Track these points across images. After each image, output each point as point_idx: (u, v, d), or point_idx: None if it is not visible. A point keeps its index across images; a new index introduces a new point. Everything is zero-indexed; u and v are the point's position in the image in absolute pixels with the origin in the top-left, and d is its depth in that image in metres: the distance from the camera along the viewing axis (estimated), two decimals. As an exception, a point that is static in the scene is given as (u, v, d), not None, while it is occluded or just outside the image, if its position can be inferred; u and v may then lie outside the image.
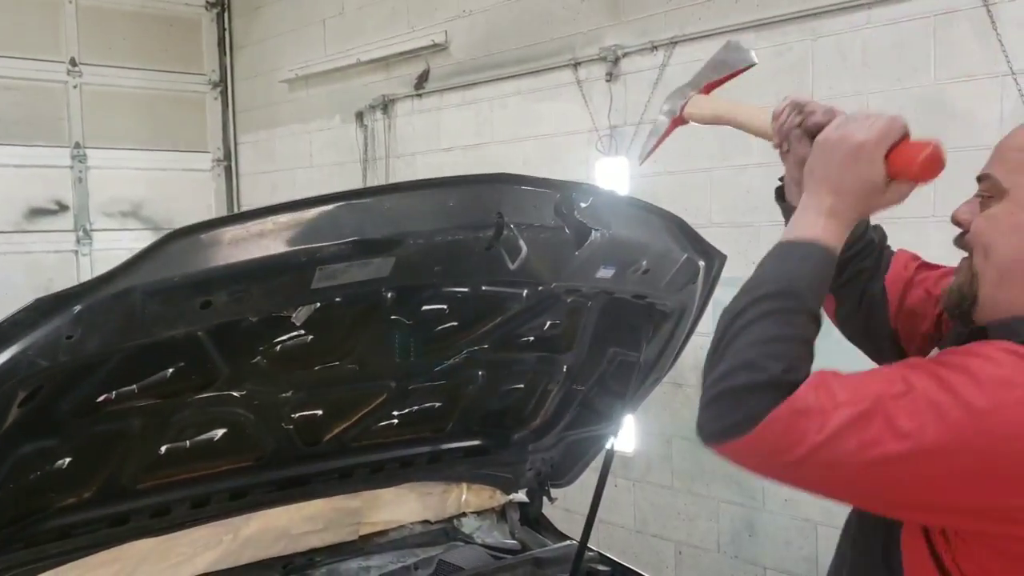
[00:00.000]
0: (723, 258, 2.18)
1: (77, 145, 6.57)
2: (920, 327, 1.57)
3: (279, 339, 1.81)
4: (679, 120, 1.64)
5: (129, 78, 6.73)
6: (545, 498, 2.80)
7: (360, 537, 2.48)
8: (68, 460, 1.78)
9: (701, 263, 2.11)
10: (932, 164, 1.34)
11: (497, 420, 2.50)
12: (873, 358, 1.62)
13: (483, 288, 1.93)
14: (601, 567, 2.56)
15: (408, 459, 2.40)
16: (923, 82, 3.41)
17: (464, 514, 2.71)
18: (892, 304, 1.59)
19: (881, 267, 1.64)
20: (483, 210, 1.64)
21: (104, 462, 1.85)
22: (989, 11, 3.21)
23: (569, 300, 2.10)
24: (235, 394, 1.88)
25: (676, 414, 4.29)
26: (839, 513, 3.90)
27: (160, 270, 1.39)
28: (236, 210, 7.18)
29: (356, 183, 5.88)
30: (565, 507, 2.90)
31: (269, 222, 1.46)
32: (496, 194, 1.67)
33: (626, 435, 4.25)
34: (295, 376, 1.94)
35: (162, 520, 2.04)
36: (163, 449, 1.93)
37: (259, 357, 1.82)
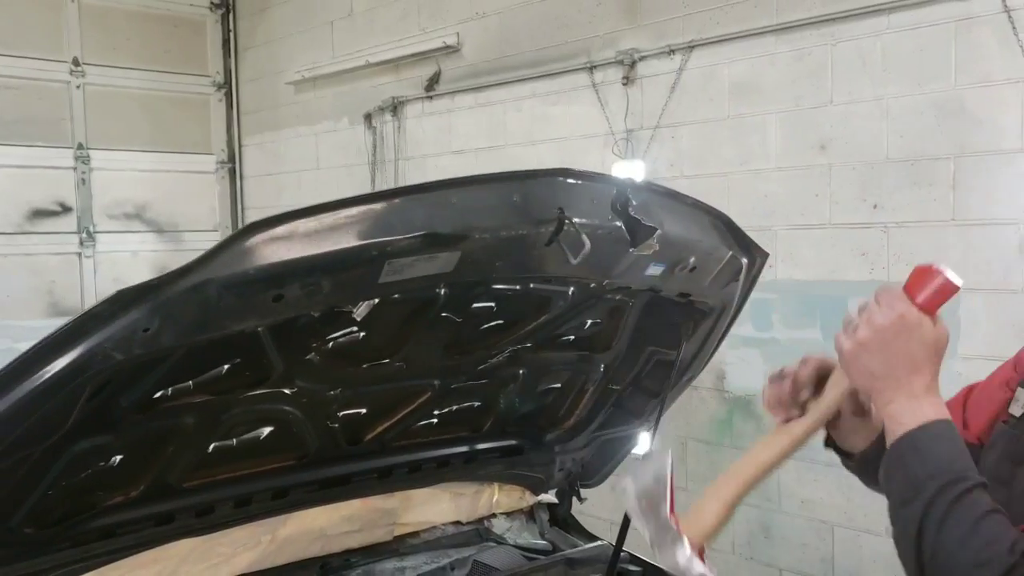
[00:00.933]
0: (765, 256, 2.19)
1: (80, 146, 6.54)
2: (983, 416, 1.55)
3: (333, 336, 1.81)
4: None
5: (132, 79, 6.72)
6: (574, 498, 2.80)
7: (394, 538, 2.47)
8: (120, 458, 1.77)
9: (744, 260, 2.11)
10: (950, 282, 1.34)
11: (532, 420, 2.50)
12: None
13: (532, 286, 1.92)
14: (632, 567, 2.56)
15: (445, 459, 2.40)
16: (943, 87, 3.44)
17: (495, 515, 2.71)
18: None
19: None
20: (544, 204, 1.64)
21: (154, 460, 1.84)
22: (1010, 16, 3.24)
23: (615, 298, 2.10)
24: (286, 391, 1.87)
25: (691, 416, 4.30)
26: (856, 515, 3.93)
27: (236, 263, 1.38)
28: (240, 213, 7.16)
29: (364, 186, 5.87)
30: (582, 510, 2.90)
31: (342, 215, 1.46)
32: (556, 188, 1.67)
33: (642, 437, 4.25)
34: (344, 373, 1.93)
35: (205, 519, 2.02)
36: (211, 447, 1.91)
37: (313, 354, 1.82)
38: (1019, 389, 1.58)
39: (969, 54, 3.37)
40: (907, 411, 1.28)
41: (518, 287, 1.90)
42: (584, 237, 1.63)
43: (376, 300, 1.65)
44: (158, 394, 1.67)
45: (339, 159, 6.19)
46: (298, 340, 1.74)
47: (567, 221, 1.63)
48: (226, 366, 1.72)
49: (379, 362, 1.95)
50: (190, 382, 1.70)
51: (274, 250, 1.40)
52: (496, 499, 2.70)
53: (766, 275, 3.91)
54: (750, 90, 4.01)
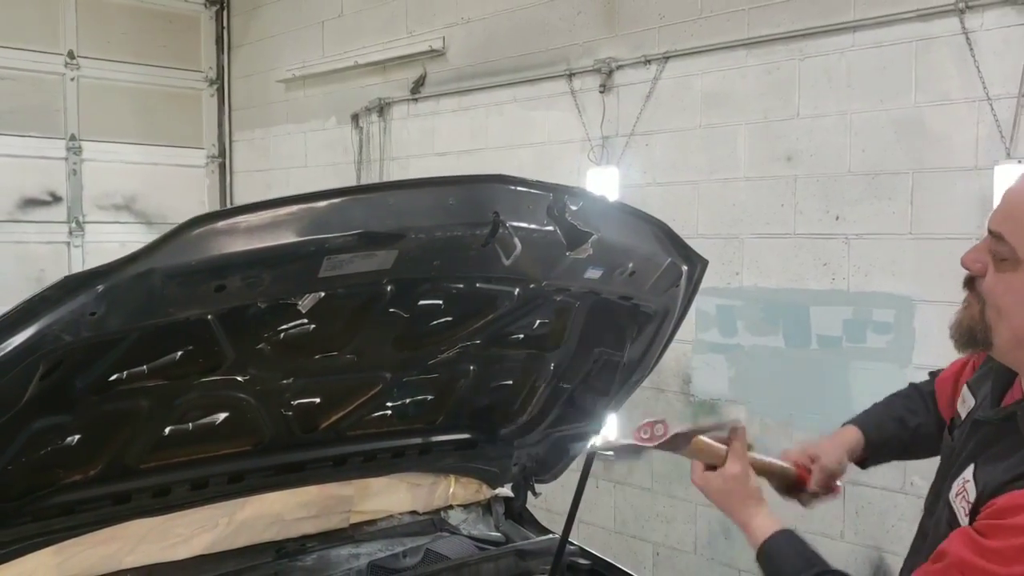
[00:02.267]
0: (704, 263, 2.28)
1: (72, 137, 6.62)
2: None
3: (283, 327, 1.89)
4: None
5: (126, 72, 6.80)
6: (529, 493, 2.89)
7: (350, 525, 2.56)
8: (77, 437, 1.85)
9: (684, 267, 2.21)
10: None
11: (486, 415, 2.58)
12: None
13: (477, 285, 2.02)
14: (582, 560, 2.66)
15: (400, 450, 2.48)
16: (904, 104, 3.55)
17: (451, 506, 2.80)
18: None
19: (927, 424, 2.00)
20: (481, 208, 1.73)
21: (111, 441, 1.92)
22: (968, 38, 3.35)
23: (558, 299, 2.20)
24: (239, 378, 1.96)
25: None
26: (814, 518, 4.04)
27: (180, 254, 1.47)
28: (229, 206, 7.25)
29: (351, 184, 5.97)
30: (547, 507, 3.00)
31: (282, 212, 1.56)
32: (493, 193, 1.77)
33: (609, 438, 4.35)
34: (296, 364, 2.02)
35: (162, 500, 2.10)
36: (167, 430, 1.99)
37: (264, 344, 1.90)
38: (964, 387, 1.72)
39: (929, 73, 3.48)
40: (751, 532, 1.78)
41: (462, 285, 1.99)
42: (516, 240, 1.73)
43: (321, 294, 1.73)
44: (113, 377, 1.75)
45: (326, 157, 6.29)
46: (249, 330, 1.83)
47: (502, 224, 1.72)
48: (179, 353, 1.80)
49: (330, 354, 2.04)
50: (144, 367, 1.78)
51: (216, 243, 1.49)
52: (452, 491, 2.79)
53: (732, 282, 4.05)
54: (721, 101, 4.12)
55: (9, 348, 1.44)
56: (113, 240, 6.84)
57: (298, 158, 6.57)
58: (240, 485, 2.21)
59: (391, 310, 1.95)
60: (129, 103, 6.84)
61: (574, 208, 1.85)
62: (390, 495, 2.64)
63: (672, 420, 4.59)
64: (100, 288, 1.44)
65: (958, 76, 3.39)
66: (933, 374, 2.08)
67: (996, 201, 3.21)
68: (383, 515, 2.64)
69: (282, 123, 6.70)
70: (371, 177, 5.88)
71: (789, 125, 3.89)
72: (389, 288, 1.86)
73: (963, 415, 1.73)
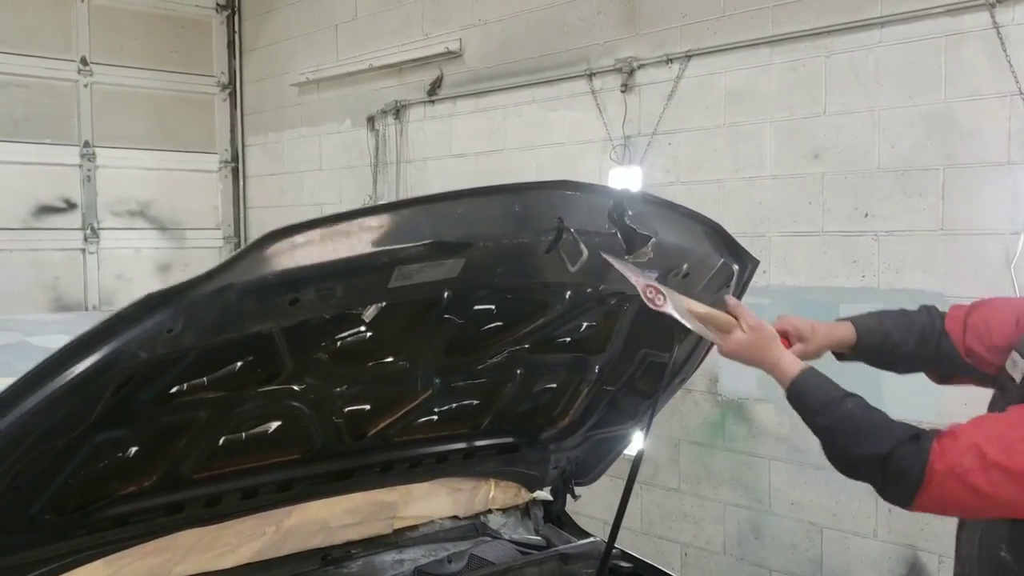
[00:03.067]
0: (756, 263, 2.28)
1: (86, 144, 6.63)
2: (986, 357, 1.98)
3: (341, 335, 1.89)
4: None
5: (139, 78, 6.81)
6: (568, 495, 2.88)
7: (394, 531, 2.56)
8: (135, 449, 1.85)
9: (735, 267, 2.20)
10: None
11: (529, 418, 2.58)
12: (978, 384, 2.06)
13: (532, 290, 2.01)
14: (624, 563, 2.64)
15: (444, 455, 2.48)
16: (933, 100, 3.52)
17: (491, 511, 2.79)
18: (960, 350, 2.02)
19: (937, 343, 2.06)
20: (545, 215, 1.74)
21: (168, 452, 1.92)
22: (999, 32, 3.33)
23: (611, 303, 2.19)
24: (295, 387, 1.96)
25: (684, 418, 4.39)
26: (844, 517, 4.01)
27: (256, 268, 1.47)
28: (243, 212, 7.25)
29: (366, 187, 5.97)
30: (575, 509, 2.98)
31: (355, 225, 1.56)
32: (556, 199, 1.76)
33: (635, 438, 4.35)
34: (351, 371, 2.02)
35: (214, 510, 2.10)
36: (222, 440, 1.99)
37: (322, 352, 1.90)
38: (1014, 352, 1.83)
39: (959, 68, 3.46)
40: (781, 372, 1.94)
41: (518, 291, 1.98)
42: (582, 246, 1.73)
43: (383, 304, 1.73)
44: (174, 389, 1.75)
45: (341, 160, 6.28)
46: (309, 340, 1.82)
47: (566, 230, 1.72)
48: (239, 363, 1.80)
49: (384, 361, 2.03)
50: (205, 379, 1.78)
51: (292, 257, 1.50)
52: (492, 495, 2.78)
53: (759, 280, 4.01)
54: (745, 99, 4.10)
55: (87, 365, 1.44)
56: (128, 247, 6.85)
57: (312, 161, 6.56)
58: (289, 493, 2.21)
59: (446, 317, 1.95)
60: (142, 109, 6.85)
61: (632, 212, 1.85)
62: (432, 500, 2.63)
63: (697, 420, 4.55)
64: (178, 305, 1.44)
65: (989, 71, 3.37)
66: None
67: (1031, 196, 3.21)
68: (425, 520, 2.64)
69: (296, 126, 6.69)
70: (387, 179, 5.87)
71: (816, 122, 3.87)
72: (447, 295, 1.85)
73: (1017, 379, 1.80)
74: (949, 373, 2.11)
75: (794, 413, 3.98)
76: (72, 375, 1.44)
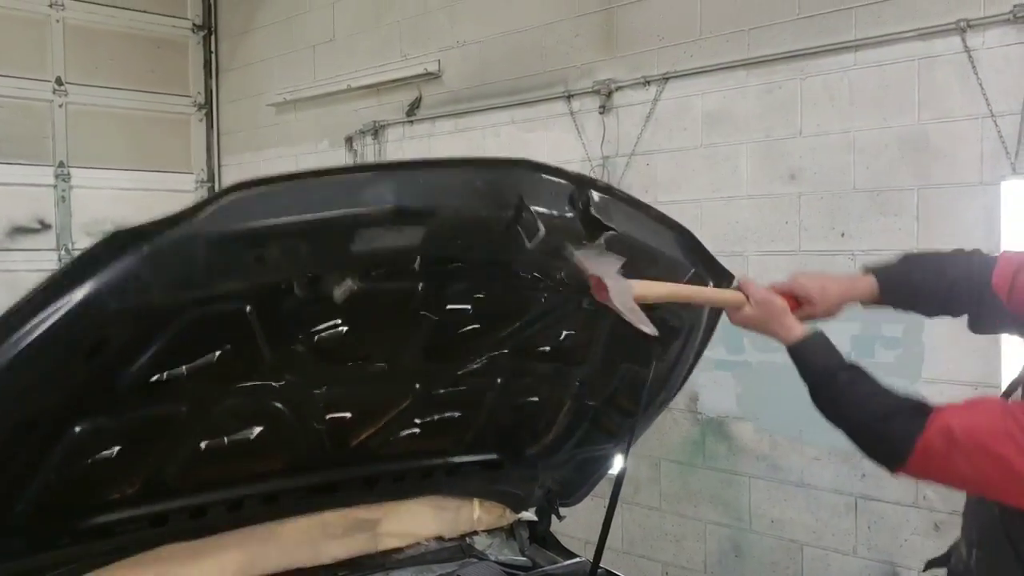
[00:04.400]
0: (731, 279, 2.25)
1: (61, 164, 6.58)
2: None
3: (317, 328, 1.89)
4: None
5: (115, 98, 6.78)
6: (553, 516, 2.89)
7: (379, 553, 2.55)
8: (117, 448, 1.81)
9: (710, 282, 2.19)
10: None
11: (512, 433, 2.58)
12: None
13: (504, 285, 2.00)
14: (610, 583, 2.65)
15: (428, 470, 2.48)
16: (907, 121, 3.59)
17: (476, 532, 2.79)
18: (1004, 298, 1.94)
19: (979, 296, 1.99)
20: (506, 191, 1.75)
21: (150, 453, 1.89)
22: (970, 56, 3.40)
23: (585, 305, 2.16)
24: (274, 384, 1.94)
25: (665, 436, 4.41)
26: (824, 534, 4.04)
27: (220, 219, 1.47)
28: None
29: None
30: (556, 528, 2.99)
31: (320, 183, 1.59)
32: (519, 177, 1.78)
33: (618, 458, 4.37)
34: (329, 370, 2.01)
35: (199, 522, 2.08)
36: (204, 444, 1.97)
37: (299, 345, 1.89)
38: None
39: (932, 91, 3.53)
40: (787, 337, 1.96)
41: (490, 285, 1.98)
42: (540, 224, 1.74)
43: (355, 287, 1.73)
44: (153, 378, 1.73)
45: (319, 180, 6.26)
46: (285, 327, 1.82)
47: (525, 209, 1.73)
48: (218, 352, 1.78)
49: (361, 360, 2.04)
50: (183, 367, 1.76)
51: (256, 209, 1.51)
52: (478, 515, 2.78)
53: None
54: (722, 121, 4.15)
55: (57, 311, 1.40)
56: (102, 267, 6.79)
57: (290, 182, 6.54)
58: (274, 507, 2.20)
59: (421, 312, 1.95)
60: (118, 129, 6.81)
61: (596, 201, 1.86)
62: (416, 518, 2.63)
63: (677, 438, 4.55)
64: (145, 250, 1.43)
65: (961, 93, 3.44)
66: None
67: (1003, 216, 3.27)
68: (410, 539, 2.63)
69: (273, 146, 6.69)
70: (366, 200, 5.87)
71: (792, 144, 3.93)
72: (420, 286, 1.86)
73: None
74: (991, 325, 2.06)
75: (773, 430, 4.05)
76: (42, 325, 1.39)
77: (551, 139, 4.81)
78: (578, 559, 2.76)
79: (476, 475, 2.63)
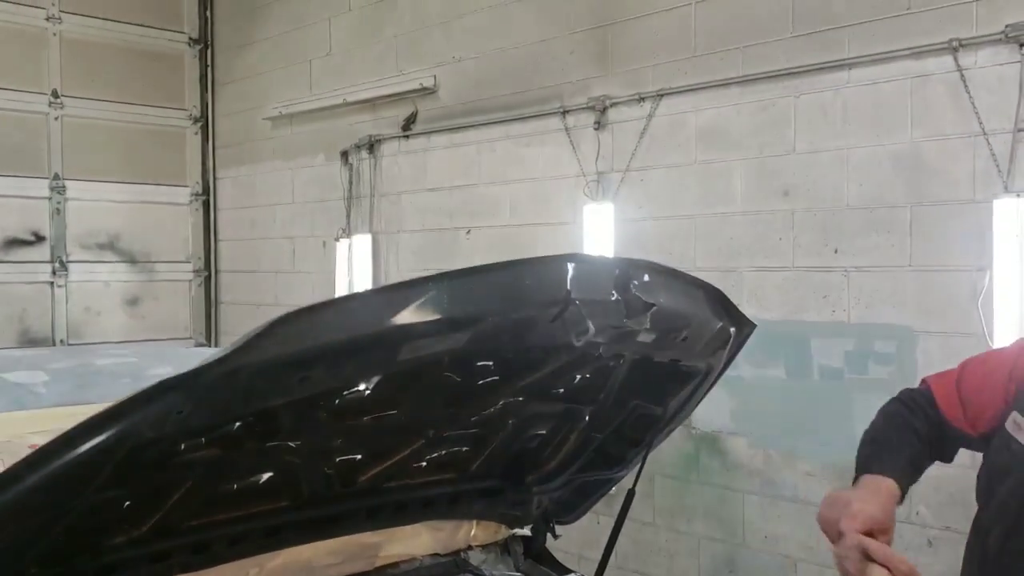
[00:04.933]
0: (752, 327, 2.34)
1: (56, 176, 6.59)
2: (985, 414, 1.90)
3: (341, 395, 1.91)
4: None
5: (110, 111, 6.79)
6: (549, 533, 2.89)
7: (375, 570, 2.55)
8: (128, 503, 1.83)
9: (732, 330, 2.26)
10: None
11: (515, 462, 2.58)
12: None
13: (533, 348, 2.05)
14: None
15: (431, 499, 2.48)
16: (900, 139, 3.62)
17: (471, 547, 2.79)
18: (967, 429, 1.94)
19: (941, 434, 1.98)
20: (554, 286, 1.81)
21: (161, 506, 1.91)
22: (962, 75, 3.43)
23: (609, 361, 2.22)
24: (291, 444, 1.97)
25: (659, 451, 4.37)
26: (819, 550, 4.04)
27: (269, 351, 1.50)
28: (214, 245, 7.22)
29: (339, 220, 5.98)
30: (553, 544, 2.99)
31: (367, 303, 1.64)
32: (566, 271, 1.83)
33: (623, 478, 4.38)
34: (347, 426, 2.02)
35: (201, 556, 2.08)
36: (214, 492, 1.99)
37: (320, 411, 1.91)
38: (1014, 413, 1.78)
39: (924, 109, 3.56)
40: None
41: (520, 351, 2.02)
42: (589, 322, 1.81)
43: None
44: (172, 452, 1.75)
45: (314, 194, 6.29)
46: (309, 402, 1.84)
47: (572, 302, 1.79)
48: (238, 424, 1.80)
49: (379, 415, 2.05)
50: (202, 438, 1.78)
51: (304, 338, 1.53)
52: (474, 533, 2.78)
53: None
54: (716, 137, 4.18)
55: (93, 444, 1.45)
56: (97, 279, 6.80)
57: (285, 195, 6.57)
58: (276, 539, 2.20)
59: (446, 374, 1.98)
60: (113, 141, 6.82)
61: (638, 282, 1.92)
62: (414, 538, 2.62)
63: (671, 454, 4.55)
64: (190, 389, 1.47)
65: (954, 112, 3.47)
66: (922, 382, 2.09)
67: (995, 234, 3.30)
68: (406, 558, 2.63)
69: (268, 160, 6.70)
70: (361, 212, 5.89)
71: (785, 160, 3.95)
72: (447, 359, 1.89)
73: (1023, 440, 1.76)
74: (954, 451, 2.02)
75: (767, 445, 4.05)
76: (77, 454, 1.45)
77: (546, 155, 4.84)
78: (572, 574, 2.76)
79: (477, 501, 2.64)
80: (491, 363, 2.05)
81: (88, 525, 1.78)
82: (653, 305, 1.93)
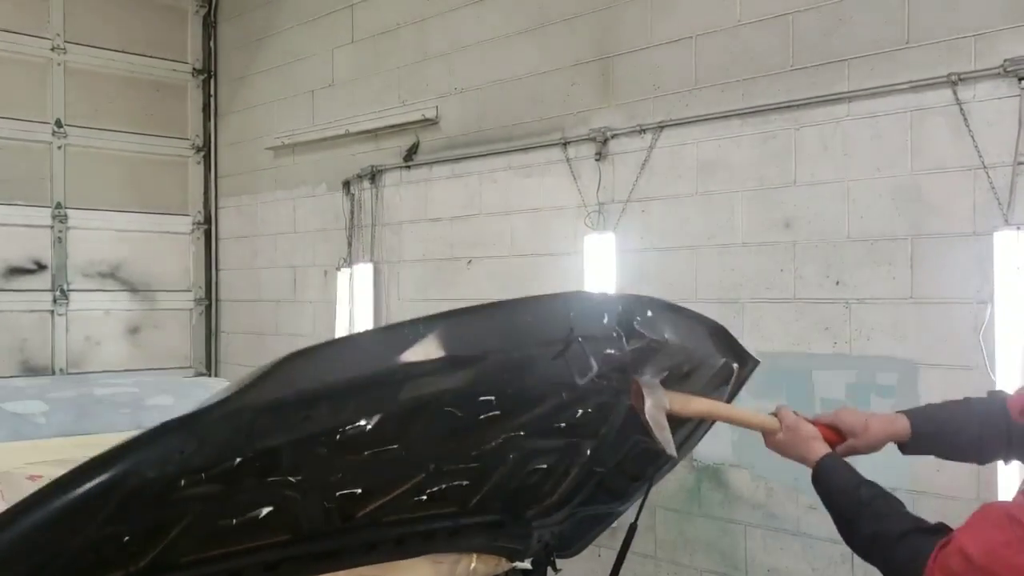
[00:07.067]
0: (756, 363, 2.35)
1: (59, 205, 6.62)
2: None
3: (342, 430, 1.90)
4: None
5: (113, 140, 6.84)
6: (550, 567, 2.87)
7: (375, 603, 2.52)
8: (127, 539, 1.82)
9: (735, 366, 2.26)
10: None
11: (516, 496, 2.57)
12: None
13: (535, 383, 2.05)
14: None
15: (431, 532, 2.46)
16: (900, 172, 3.63)
17: (471, 579, 2.77)
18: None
19: (1007, 429, 2.09)
20: (557, 323, 1.83)
21: (159, 542, 1.89)
22: (962, 109, 3.45)
23: (610, 394, 2.21)
24: (292, 479, 1.96)
25: (661, 485, 4.36)
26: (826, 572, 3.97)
27: (271, 390, 1.51)
28: (215, 274, 7.23)
29: (341, 250, 5.99)
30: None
31: (371, 344, 1.66)
32: (568, 308, 1.86)
33: (625, 512, 4.34)
34: (347, 461, 2.02)
35: None
36: (213, 528, 1.97)
37: (320, 447, 1.91)
38: None
39: (924, 142, 3.57)
40: (810, 459, 2.08)
41: (523, 386, 2.02)
42: (591, 359, 1.83)
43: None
44: (173, 489, 1.75)
45: (316, 223, 6.31)
46: (311, 439, 1.84)
47: (575, 340, 1.81)
48: (238, 459, 1.80)
49: (379, 450, 2.04)
50: (202, 474, 1.77)
51: (307, 379, 1.54)
52: (474, 566, 2.76)
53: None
54: (717, 169, 4.19)
55: (94, 484, 1.46)
56: (98, 308, 6.80)
57: (286, 224, 6.58)
58: (276, 573, 2.18)
59: (447, 409, 1.97)
60: (115, 171, 6.86)
61: (641, 318, 1.92)
62: (413, 572, 2.60)
63: (673, 486, 4.53)
64: (193, 429, 1.48)
65: (953, 145, 3.48)
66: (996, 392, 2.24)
67: (996, 266, 3.30)
68: (407, 588, 2.61)
69: (270, 190, 6.72)
70: (363, 242, 5.90)
71: (786, 192, 3.96)
72: (449, 395, 1.89)
73: None
74: (1008, 453, 2.14)
75: (769, 478, 4.03)
76: (80, 493, 1.45)
77: (547, 185, 4.85)
78: (572, 609, 2.74)
79: (477, 535, 2.62)
80: (493, 398, 2.04)
81: (88, 561, 1.77)
82: (658, 340, 1.93)
